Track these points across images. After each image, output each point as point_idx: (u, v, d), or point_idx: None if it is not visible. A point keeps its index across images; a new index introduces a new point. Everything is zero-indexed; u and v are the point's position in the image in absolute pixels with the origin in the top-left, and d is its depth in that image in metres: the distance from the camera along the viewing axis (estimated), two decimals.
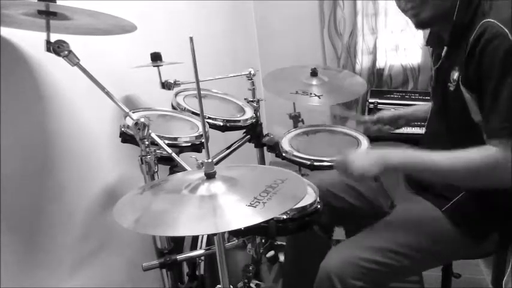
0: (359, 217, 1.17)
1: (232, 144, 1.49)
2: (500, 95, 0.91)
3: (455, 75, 1.03)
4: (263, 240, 1.57)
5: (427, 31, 1.23)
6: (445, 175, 0.99)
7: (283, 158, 1.42)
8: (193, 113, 1.33)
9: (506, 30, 0.88)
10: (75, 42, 0.92)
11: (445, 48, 1.13)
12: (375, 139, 1.45)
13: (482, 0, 0.99)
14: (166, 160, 1.09)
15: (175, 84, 1.37)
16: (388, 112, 1.44)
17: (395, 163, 1.02)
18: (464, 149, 0.95)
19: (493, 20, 0.91)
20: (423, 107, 1.41)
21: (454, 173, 0.96)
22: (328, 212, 1.28)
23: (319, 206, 0.99)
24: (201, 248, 1.27)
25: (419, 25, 1.09)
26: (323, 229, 1.32)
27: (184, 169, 1.00)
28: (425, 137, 1.28)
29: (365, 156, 1.06)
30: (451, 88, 1.04)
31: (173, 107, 1.37)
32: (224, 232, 1.05)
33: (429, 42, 1.21)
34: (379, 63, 2.52)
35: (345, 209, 1.28)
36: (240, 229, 0.90)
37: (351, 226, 1.44)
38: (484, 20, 0.93)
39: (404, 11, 1.09)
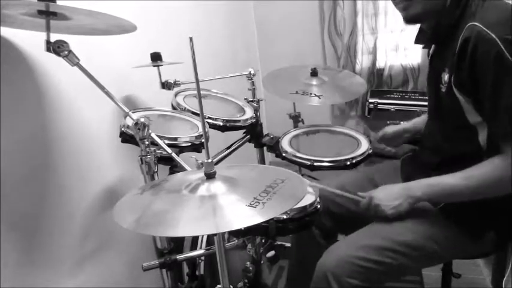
0: (360, 223, 1.17)
1: (232, 144, 1.49)
2: (499, 102, 0.91)
3: (445, 76, 1.02)
4: (263, 240, 1.57)
5: None
6: (465, 196, 1.02)
7: (283, 158, 1.42)
8: (193, 113, 1.33)
9: (493, 35, 0.88)
10: (75, 42, 0.92)
11: (433, 47, 1.12)
12: (380, 156, 1.44)
13: (470, 0, 0.98)
14: (166, 160, 1.08)
15: (175, 84, 1.37)
16: (391, 128, 1.43)
17: (419, 195, 1.05)
18: (464, 158, 0.99)
19: (478, 24, 0.91)
20: (425, 118, 1.40)
21: (473, 193, 1.00)
22: (329, 219, 1.28)
23: (319, 206, 0.99)
24: (201, 248, 1.27)
25: (408, 20, 1.08)
26: (325, 236, 1.32)
27: (184, 169, 1.00)
28: (424, 138, 1.28)
29: (389, 194, 1.08)
30: (443, 89, 1.04)
31: (173, 107, 1.37)
32: (224, 232, 1.05)
33: (417, 40, 1.20)
34: (379, 63, 2.52)
35: (345, 216, 1.28)
36: (240, 229, 0.90)
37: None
38: (470, 23, 0.93)
39: (395, 3, 1.08)
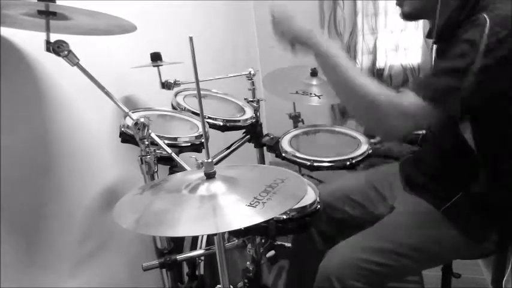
0: (360, 227, 1.17)
1: (232, 144, 1.49)
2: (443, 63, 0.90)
3: None
4: (263, 240, 1.57)
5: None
6: (352, 89, 0.97)
7: (283, 158, 1.42)
8: (193, 113, 1.33)
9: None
10: (75, 42, 0.92)
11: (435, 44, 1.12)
12: (380, 156, 1.44)
13: None
14: (166, 160, 1.08)
15: (175, 84, 1.37)
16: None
17: (319, 48, 1.05)
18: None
19: (486, 16, 0.88)
20: None
21: (359, 92, 0.95)
22: (329, 224, 1.28)
23: (319, 206, 0.99)
24: (201, 248, 1.27)
25: (404, 16, 1.10)
26: (324, 241, 1.32)
27: (184, 169, 0.99)
28: (426, 137, 1.28)
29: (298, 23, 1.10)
30: None
31: (173, 107, 1.37)
32: (224, 232, 1.05)
33: (428, 35, 1.19)
34: (379, 63, 2.51)
35: (345, 220, 1.28)
36: (240, 229, 0.90)
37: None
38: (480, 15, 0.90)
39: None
